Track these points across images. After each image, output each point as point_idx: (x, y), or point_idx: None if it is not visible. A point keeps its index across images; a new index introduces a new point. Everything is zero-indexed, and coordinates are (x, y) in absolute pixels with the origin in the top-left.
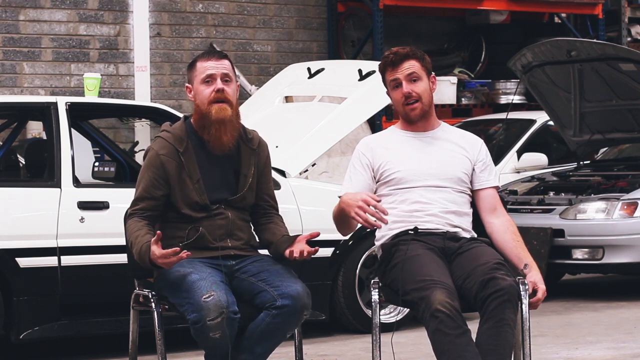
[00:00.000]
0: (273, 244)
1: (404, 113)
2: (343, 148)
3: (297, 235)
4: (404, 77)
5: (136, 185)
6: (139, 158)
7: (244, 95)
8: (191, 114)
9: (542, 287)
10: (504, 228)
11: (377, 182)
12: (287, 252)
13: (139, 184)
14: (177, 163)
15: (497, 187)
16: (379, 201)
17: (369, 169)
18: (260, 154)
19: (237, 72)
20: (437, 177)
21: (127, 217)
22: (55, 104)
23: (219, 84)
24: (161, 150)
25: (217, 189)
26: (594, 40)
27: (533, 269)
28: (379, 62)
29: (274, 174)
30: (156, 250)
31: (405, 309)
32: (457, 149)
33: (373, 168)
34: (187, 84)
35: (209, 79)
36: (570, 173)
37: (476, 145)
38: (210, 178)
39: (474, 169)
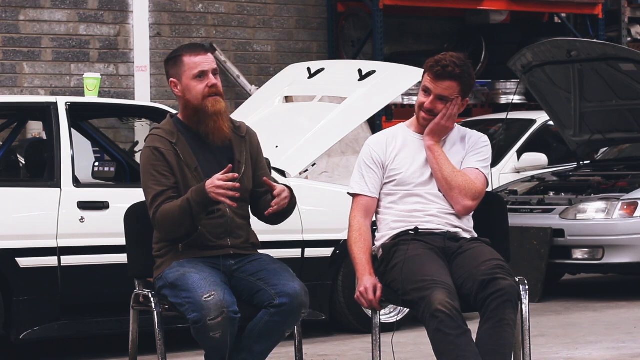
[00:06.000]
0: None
1: (418, 117)
2: (343, 148)
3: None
4: (435, 93)
5: (144, 188)
6: (139, 158)
7: (243, 95)
8: (176, 113)
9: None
10: None
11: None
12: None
13: (147, 184)
14: (174, 153)
15: (478, 172)
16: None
17: (380, 166)
18: (251, 141)
19: (237, 72)
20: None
21: (154, 215)
22: (55, 104)
23: (212, 79)
24: (156, 144)
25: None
26: (594, 40)
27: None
28: (424, 65)
29: (274, 174)
30: (216, 176)
31: (405, 309)
32: (461, 153)
33: (383, 165)
34: (171, 79)
35: (201, 75)
36: (570, 173)
37: (473, 139)
38: (207, 166)
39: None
